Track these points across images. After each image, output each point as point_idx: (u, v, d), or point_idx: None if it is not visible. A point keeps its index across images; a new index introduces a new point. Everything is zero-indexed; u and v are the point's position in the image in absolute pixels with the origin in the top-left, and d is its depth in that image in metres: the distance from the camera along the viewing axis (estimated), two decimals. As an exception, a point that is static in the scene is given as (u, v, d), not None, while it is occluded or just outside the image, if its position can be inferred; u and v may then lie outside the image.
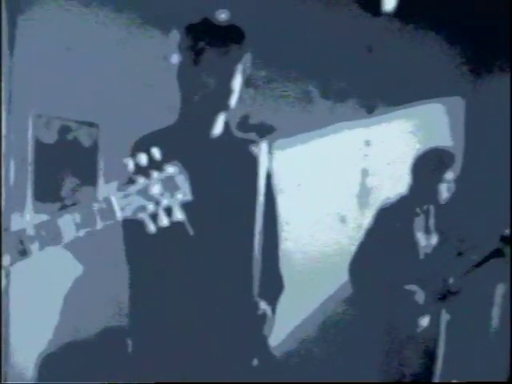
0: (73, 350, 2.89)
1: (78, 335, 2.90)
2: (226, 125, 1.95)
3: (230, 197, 1.82)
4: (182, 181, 1.30)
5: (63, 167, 2.88)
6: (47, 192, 2.85)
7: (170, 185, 1.29)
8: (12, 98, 2.66)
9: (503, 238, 2.82)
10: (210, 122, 1.91)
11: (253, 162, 1.85)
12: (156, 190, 1.27)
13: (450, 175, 2.93)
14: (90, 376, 2.72)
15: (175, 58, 1.83)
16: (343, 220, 3.88)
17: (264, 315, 1.87)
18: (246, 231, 1.81)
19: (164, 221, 1.30)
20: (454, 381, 3.14)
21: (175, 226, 1.35)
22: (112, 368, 2.67)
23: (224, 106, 1.87)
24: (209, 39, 1.79)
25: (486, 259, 2.87)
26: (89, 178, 2.93)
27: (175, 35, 1.85)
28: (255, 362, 1.83)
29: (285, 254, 2.09)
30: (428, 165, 2.94)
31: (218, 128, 1.93)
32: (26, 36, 2.67)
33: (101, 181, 2.94)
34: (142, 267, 1.88)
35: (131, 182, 1.27)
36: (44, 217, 1.22)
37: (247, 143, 1.93)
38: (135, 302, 1.95)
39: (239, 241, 1.82)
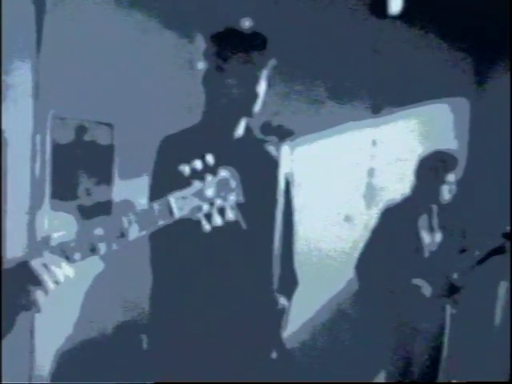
0: (89, 347, 2.93)
1: (95, 332, 2.94)
2: (247, 127, 2.00)
3: (250, 197, 1.86)
4: (235, 183, 1.39)
5: (80, 166, 2.92)
6: (64, 190, 2.89)
7: (223, 187, 1.37)
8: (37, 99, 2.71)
9: (505, 235, 2.91)
10: (233, 126, 1.95)
11: (273, 163, 1.91)
12: (210, 192, 1.35)
13: (451, 177, 2.99)
14: (106, 373, 2.78)
15: (201, 65, 1.88)
16: (350, 219, 3.91)
17: (283, 310, 1.93)
18: (266, 230, 1.86)
19: (218, 221, 1.37)
20: (454, 381, 3.21)
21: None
22: (130, 364, 2.74)
23: (248, 112, 1.92)
24: (233, 46, 1.84)
25: (488, 255, 2.95)
26: (105, 177, 2.98)
27: (200, 42, 1.90)
28: (274, 354, 1.88)
29: (297, 251, 2.14)
30: (431, 167, 3.00)
31: (239, 131, 1.98)
32: (50, 38, 2.70)
33: (116, 179, 3.00)
34: (164, 266, 1.93)
35: (188, 184, 1.33)
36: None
37: (267, 145, 1.98)
38: (156, 299, 1.99)
39: (260, 239, 1.86)
